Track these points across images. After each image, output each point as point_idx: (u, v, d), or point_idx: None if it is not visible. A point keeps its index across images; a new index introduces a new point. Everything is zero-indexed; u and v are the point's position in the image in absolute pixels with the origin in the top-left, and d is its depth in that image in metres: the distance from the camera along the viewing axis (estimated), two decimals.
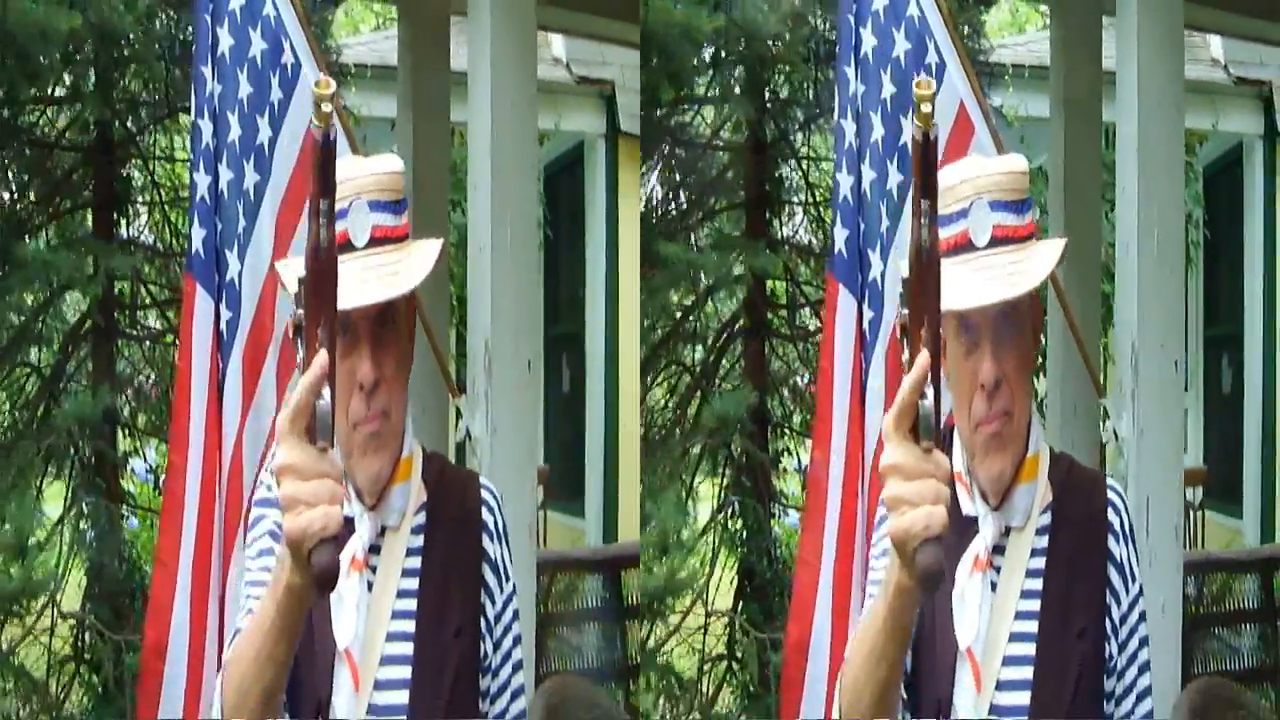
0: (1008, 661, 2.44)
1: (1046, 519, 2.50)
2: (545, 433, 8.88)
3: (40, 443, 6.35)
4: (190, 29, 5.24)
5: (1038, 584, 2.47)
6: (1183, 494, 4.71)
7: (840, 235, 4.40)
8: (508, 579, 2.62)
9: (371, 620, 2.47)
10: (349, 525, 2.43)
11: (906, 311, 1.92)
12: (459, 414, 4.65)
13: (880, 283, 4.32)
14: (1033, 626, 2.45)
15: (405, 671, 2.47)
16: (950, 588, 2.40)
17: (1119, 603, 2.51)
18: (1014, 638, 2.44)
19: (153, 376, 6.89)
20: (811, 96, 7.09)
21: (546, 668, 6.47)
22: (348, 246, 2.42)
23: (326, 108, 1.89)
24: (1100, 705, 2.49)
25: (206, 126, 4.36)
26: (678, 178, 7.39)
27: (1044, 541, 2.49)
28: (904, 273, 1.95)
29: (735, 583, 6.94)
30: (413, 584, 2.50)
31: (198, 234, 4.35)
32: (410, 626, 2.49)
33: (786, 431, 7.23)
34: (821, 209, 7.23)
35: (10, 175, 6.62)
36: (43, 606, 6.07)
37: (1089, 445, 5.30)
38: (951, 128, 4.21)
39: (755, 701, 6.61)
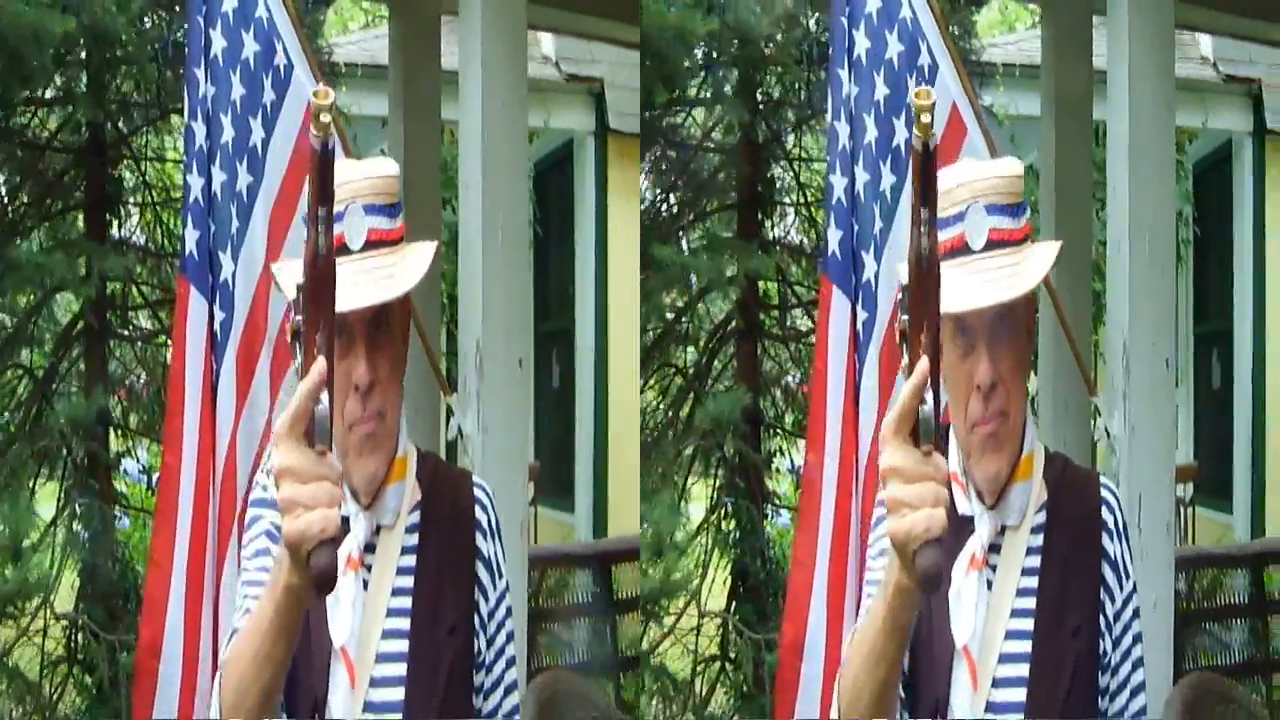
0: (1004, 659, 2.46)
1: (1041, 518, 2.53)
2: (535, 429, 8.87)
3: (33, 444, 6.36)
4: (182, 30, 5.26)
5: (1033, 582, 2.49)
6: (1174, 491, 4.72)
7: (834, 237, 4.41)
8: (501, 576, 2.64)
9: (367, 618, 2.49)
10: (345, 525, 2.44)
11: (906, 317, 1.94)
12: (450, 412, 4.66)
13: (874, 284, 4.33)
14: (1028, 624, 2.47)
15: (400, 668, 2.49)
16: (947, 587, 2.42)
17: (1113, 600, 2.54)
18: (1010, 635, 2.47)
19: (144, 377, 6.89)
20: (804, 97, 7.10)
21: (537, 663, 6.47)
22: (344, 250, 2.43)
23: (325, 118, 1.90)
24: (1095, 701, 2.51)
25: (200, 128, 4.36)
26: (670, 179, 7.40)
27: (1039, 540, 2.51)
28: (903, 279, 1.97)
29: (729, 583, 6.95)
30: (408, 582, 2.53)
31: (191, 235, 4.36)
32: (405, 624, 2.51)
33: (779, 432, 7.24)
34: (813, 209, 7.24)
35: (2, 177, 6.63)
36: (36, 608, 6.07)
37: (1081, 443, 5.32)
38: (944, 129, 4.23)
39: (749, 702, 6.62)
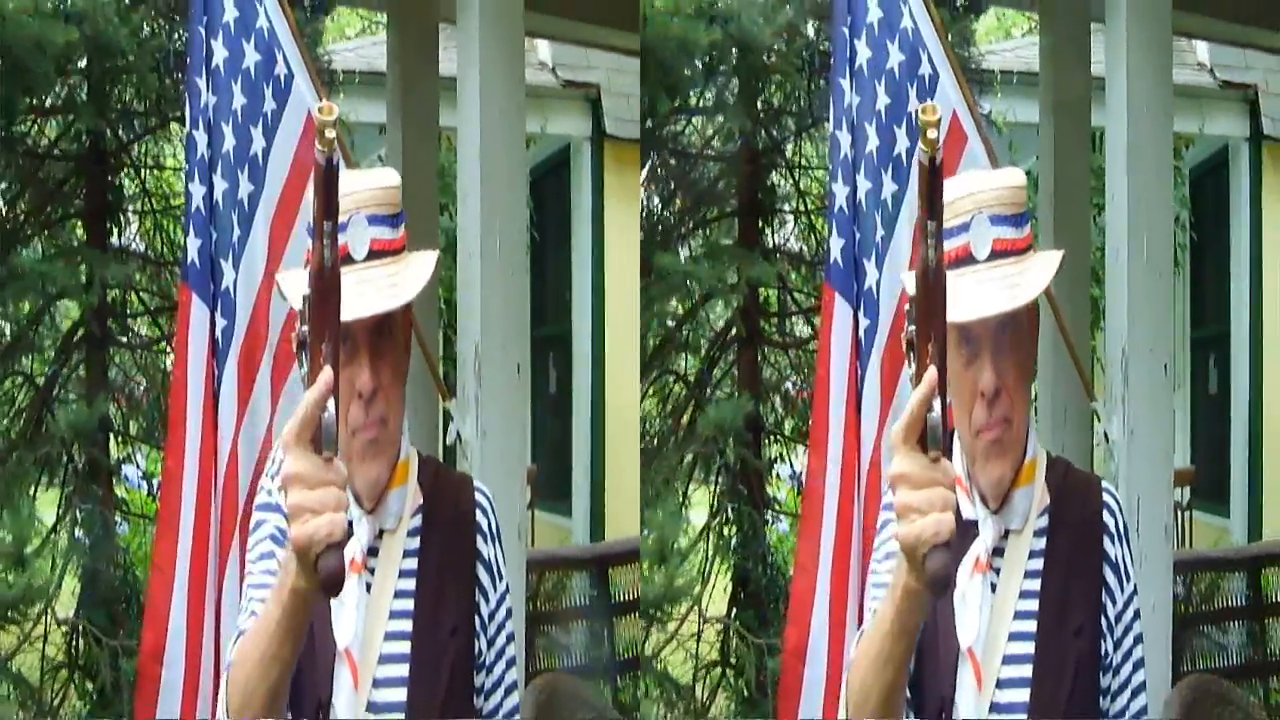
0: (1007, 660, 2.48)
1: (1044, 521, 2.55)
2: (532, 433, 8.89)
3: (35, 451, 6.37)
4: (182, 39, 5.27)
5: (1036, 584, 2.51)
6: (1172, 494, 4.73)
7: (836, 244, 4.43)
8: (501, 579, 2.66)
9: (370, 620, 2.50)
10: (350, 529, 2.45)
11: (913, 327, 1.97)
12: (448, 417, 4.67)
13: (875, 291, 4.35)
14: (1031, 626, 2.50)
15: (403, 669, 2.51)
16: (951, 590, 2.44)
17: (1114, 602, 2.56)
18: (1013, 637, 2.49)
19: (144, 384, 6.90)
20: (805, 105, 7.12)
21: (535, 665, 6.48)
22: (347, 259, 2.44)
23: (330, 133, 1.92)
24: (1097, 701, 2.53)
25: (201, 137, 4.38)
26: (671, 187, 7.41)
27: (1042, 543, 2.54)
28: (910, 290, 2.00)
29: (729, 589, 6.97)
30: (410, 585, 2.54)
31: (193, 243, 4.38)
32: (408, 626, 2.53)
33: (778, 439, 7.26)
34: (813, 217, 7.26)
35: (3, 185, 6.64)
36: (38, 613, 6.08)
37: (1080, 447, 5.32)
38: (945, 138, 4.23)
39: (751, 707, 6.63)
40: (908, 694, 2.40)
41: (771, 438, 7.20)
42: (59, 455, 6.41)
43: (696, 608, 6.77)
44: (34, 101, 6.48)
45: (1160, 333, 4.57)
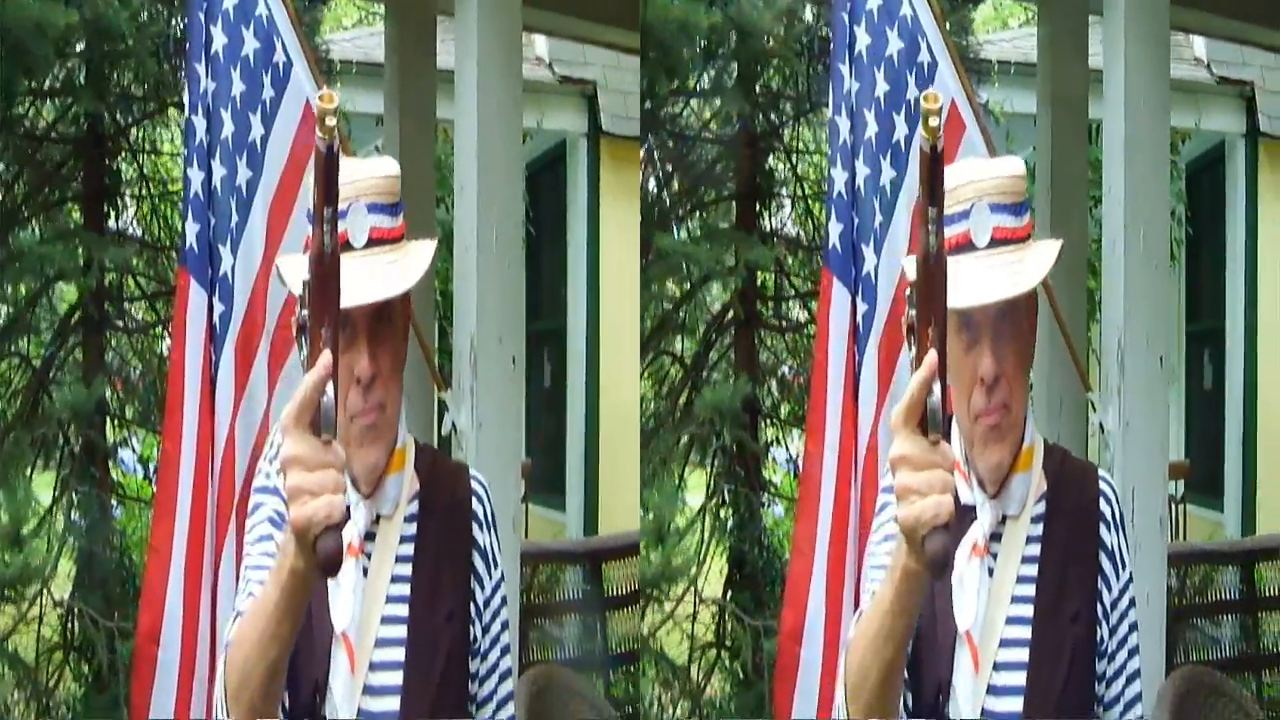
0: (1004, 644, 2.50)
1: (1041, 508, 2.57)
2: (526, 427, 8.90)
3: (32, 432, 6.38)
4: (181, 24, 5.28)
5: (1033, 570, 2.53)
6: (1167, 486, 4.74)
7: (835, 230, 4.45)
8: (496, 566, 2.67)
9: (367, 604, 2.52)
10: (349, 512, 2.47)
11: (914, 312, 1.98)
12: (444, 407, 4.68)
13: (874, 277, 4.37)
14: (1028, 610, 2.51)
15: (399, 653, 2.52)
16: (949, 573, 2.46)
17: (1110, 588, 2.58)
18: (1010, 621, 2.51)
19: (140, 368, 6.91)
20: (804, 90, 7.13)
21: (528, 658, 6.48)
22: (346, 246, 2.45)
23: (331, 121, 1.94)
24: (1092, 685, 2.55)
25: (200, 123, 4.40)
26: (669, 169, 7.42)
27: (1039, 529, 2.55)
28: (911, 276, 2.01)
29: (725, 571, 6.98)
30: (406, 570, 2.55)
31: (191, 228, 4.40)
32: (404, 610, 2.54)
33: (774, 422, 7.27)
34: (810, 201, 7.27)
35: (1, 166, 6.64)
36: (35, 594, 6.09)
37: (1075, 438, 5.32)
38: (943, 126, 4.24)
39: (746, 688, 6.64)
40: (905, 675, 2.41)
41: (768, 421, 7.21)
42: (55, 437, 6.41)
43: (693, 588, 6.77)
44: (33, 84, 6.47)
45: (1156, 326, 4.58)
